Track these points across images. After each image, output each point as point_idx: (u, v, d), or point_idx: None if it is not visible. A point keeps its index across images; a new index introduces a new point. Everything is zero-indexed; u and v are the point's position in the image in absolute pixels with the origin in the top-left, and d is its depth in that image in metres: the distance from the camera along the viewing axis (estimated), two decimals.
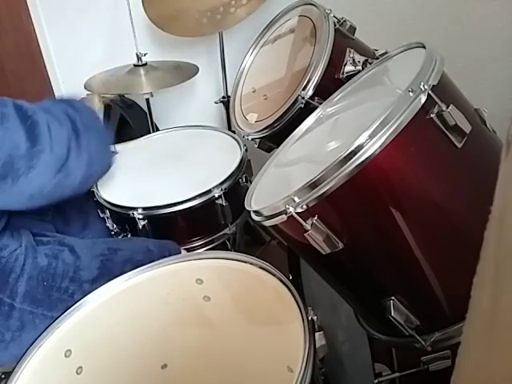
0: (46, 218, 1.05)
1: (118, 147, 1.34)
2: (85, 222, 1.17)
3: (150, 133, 1.48)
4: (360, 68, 1.05)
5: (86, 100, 1.15)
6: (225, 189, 1.12)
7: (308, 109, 1.02)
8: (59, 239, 1.01)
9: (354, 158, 0.59)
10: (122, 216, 1.12)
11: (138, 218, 1.09)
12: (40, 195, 0.86)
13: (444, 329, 0.71)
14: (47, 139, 0.84)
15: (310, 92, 1.03)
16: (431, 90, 0.61)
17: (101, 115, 1.11)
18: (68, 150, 0.88)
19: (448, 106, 0.61)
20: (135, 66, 1.48)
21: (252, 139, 1.21)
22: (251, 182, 0.89)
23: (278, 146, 0.96)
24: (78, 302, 0.77)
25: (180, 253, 1.10)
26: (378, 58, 1.05)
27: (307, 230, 0.63)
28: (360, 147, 0.59)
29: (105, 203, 1.15)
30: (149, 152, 1.37)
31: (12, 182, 0.81)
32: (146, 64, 1.48)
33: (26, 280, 0.90)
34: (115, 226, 1.18)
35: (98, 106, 1.16)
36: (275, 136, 1.11)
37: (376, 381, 0.83)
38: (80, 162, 0.91)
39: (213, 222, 1.18)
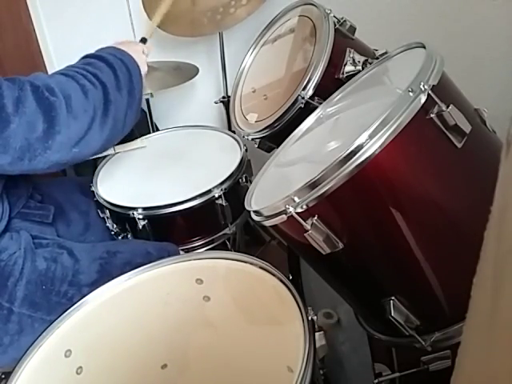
0: (46, 220, 1.05)
1: (118, 148, 1.34)
2: (86, 224, 1.17)
3: (150, 133, 1.48)
4: (360, 68, 1.05)
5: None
6: (225, 189, 1.12)
7: (308, 109, 1.02)
8: (58, 242, 1.01)
9: (354, 157, 0.59)
10: (122, 216, 1.12)
11: (138, 218, 1.09)
12: (57, 166, 0.86)
13: (444, 329, 0.71)
14: (64, 119, 0.81)
15: (310, 92, 1.03)
16: (431, 90, 0.61)
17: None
18: (91, 121, 0.85)
19: (448, 106, 0.61)
20: None
21: (252, 139, 1.21)
22: (251, 182, 0.89)
23: (277, 146, 0.96)
24: (77, 302, 0.77)
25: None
26: (377, 58, 1.05)
27: (307, 230, 0.63)
28: (360, 147, 0.59)
29: (105, 203, 1.15)
30: (149, 152, 1.37)
31: (29, 161, 0.80)
32: None
33: (25, 284, 0.89)
34: (115, 226, 1.18)
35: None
36: (275, 136, 1.11)
37: (376, 381, 0.83)
38: (102, 131, 0.88)
39: (213, 222, 1.18)
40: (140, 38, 1.24)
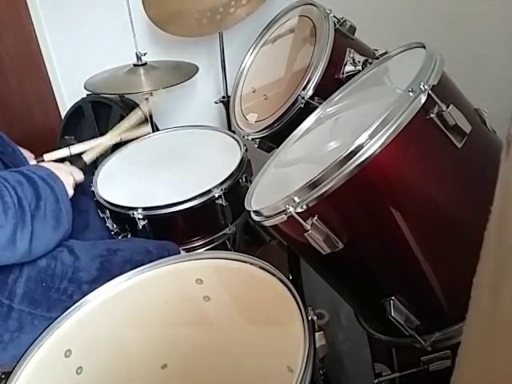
0: None
1: (124, 135, 1.32)
2: (86, 223, 1.17)
3: (150, 133, 1.48)
4: (360, 68, 1.05)
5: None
6: (225, 189, 1.12)
7: (308, 109, 1.02)
8: None
9: (354, 157, 0.59)
10: (122, 216, 1.12)
11: (138, 218, 1.09)
12: None
13: (444, 329, 0.71)
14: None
15: (310, 92, 1.03)
16: (431, 89, 0.61)
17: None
18: (9, 241, 0.83)
19: (448, 106, 0.61)
20: (135, 65, 1.48)
21: (252, 139, 1.21)
22: (251, 182, 0.89)
23: (277, 146, 0.96)
24: (77, 302, 0.77)
25: (179, 253, 1.09)
26: (378, 58, 1.05)
27: (307, 230, 0.63)
28: (360, 147, 0.59)
29: (105, 203, 1.15)
30: (149, 152, 1.37)
31: None
32: (145, 64, 1.48)
33: (25, 281, 0.90)
34: (115, 225, 1.18)
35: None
36: (275, 136, 1.11)
37: (376, 381, 0.83)
38: (15, 252, 0.85)
39: (213, 222, 1.18)
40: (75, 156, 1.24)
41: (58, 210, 0.93)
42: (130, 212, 1.09)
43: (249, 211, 0.76)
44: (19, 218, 0.84)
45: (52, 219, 0.92)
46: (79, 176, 1.08)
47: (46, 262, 0.93)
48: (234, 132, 1.36)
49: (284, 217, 0.65)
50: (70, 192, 1.01)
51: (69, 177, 1.02)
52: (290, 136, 0.95)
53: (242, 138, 1.25)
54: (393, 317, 0.69)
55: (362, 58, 1.06)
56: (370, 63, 1.01)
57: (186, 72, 1.48)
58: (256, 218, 0.73)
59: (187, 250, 1.16)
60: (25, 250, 0.86)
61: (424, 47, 0.74)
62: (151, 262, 0.82)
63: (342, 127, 0.86)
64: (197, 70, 1.50)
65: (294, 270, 1.18)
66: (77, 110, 1.85)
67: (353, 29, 1.14)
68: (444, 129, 0.62)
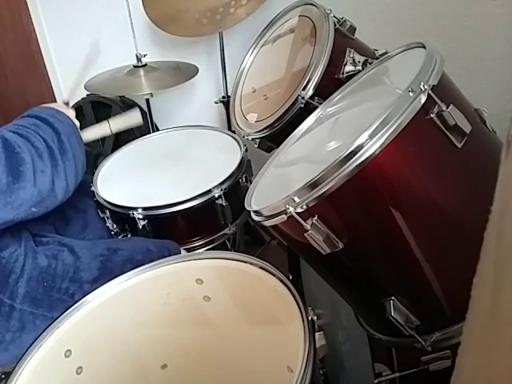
0: (46, 218, 1.05)
1: (114, 125, 1.31)
2: (85, 222, 1.17)
3: (149, 133, 1.48)
4: (360, 68, 1.05)
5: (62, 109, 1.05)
6: (225, 189, 1.12)
7: (308, 109, 1.02)
8: (59, 239, 1.01)
9: (354, 157, 0.59)
10: (122, 216, 1.12)
11: (138, 218, 1.09)
12: (11, 222, 0.85)
13: (444, 329, 0.71)
14: (31, 176, 0.82)
15: (310, 92, 1.03)
16: (431, 89, 0.61)
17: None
18: (52, 182, 0.86)
19: (448, 106, 0.61)
20: (135, 66, 1.48)
21: (252, 139, 1.21)
22: (251, 182, 0.89)
23: (278, 146, 0.96)
24: (78, 302, 0.77)
25: (180, 253, 1.10)
26: (378, 58, 1.05)
27: (307, 230, 0.63)
28: (360, 147, 0.59)
29: (105, 203, 1.15)
30: (149, 152, 1.37)
31: None
32: (145, 65, 1.48)
33: (26, 281, 0.90)
34: (115, 226, 1.18)
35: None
36: (275, 136, 1.11)
37: (376, 381, 0.83)
38: (57, 193, 0.88)
39: (213, 222, 1.18)
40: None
41: (75, 140, 0.97)
42: (130, 212, 1.10)
43: (249, 211, 0.76)
44: (52, 159, 0.87)
45: (74, 149, 0.94)
46: (73, 113, 1.11)
47: (47, 262, 0.93)
48: (234, 132, 1.36)
49: (284, 217, 0.65)
50: (77, 123, 1.04)
51: (69, 110, 1.05)
52: (290, 136, 0.95)
53: (242, 137, 1.25)
54: (393, 317, 0.69)
55: (362, 58, 1.06)
56: (370, 63, 1.01)
57: (186, 73, 1.48)
58: (256, 218, 0.73)
59: (187, 250, 1.17)
60: (64, 188, 0.90)
61: (424, 47, 0.74)
62: (152, 261, 0.82)
63: (342, 127, 0.86)
64: (197, 70, 1.50)
65: (294, 269, 1.18)
66: (77, 110, 1.85)
67: (353, 29, 1.14)
68: (444, 129, 0.62)
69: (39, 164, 0.84)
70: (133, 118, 1.25)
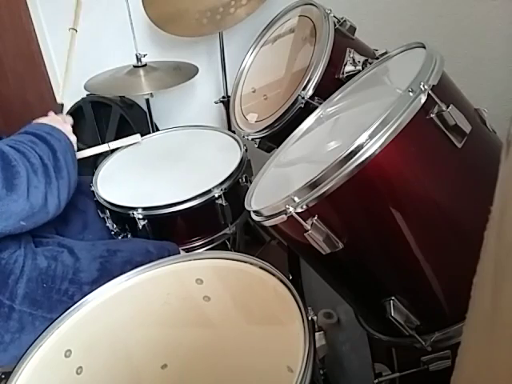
0: None
1: (113, 144, 1.32)
2: (85, 222, 1.17)
3: (150, 133, 1.48)
4: (360, 68, 1.05)
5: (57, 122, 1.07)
6: (225, 189, 1.12)
7: (308, 109, 1.02)
8: (58, 240, 1.01)
9: (354, 157, 0.59)
10: (122, 216, 1.12)
11: (138, 218, 1.09)
12: None
13: (444, 329, 0.71)
14: (24, 190, 0.83)
15: (310, 92, 1.03)
16: (431, 89, 0.61)
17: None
18: (44, 200, 0.87)
19: (448, 106, 0.61)
20: (135, 66, 1.48)
21: (252, 139, 1.21)
22: (251, 182, 0.89)
23: (278, 146, 0.96)
24: (77, 302, 0.77)
25: (179, 253, 1.09)
26: (378, 58, 1.05)
27: (307, 230, 0.63)
28: (360, 147, 0.59)
29: (105, 203, 1.15)
30: (149, 152, 1.37)
31: None
32: (145, 65, 1.48)
33: (26, 282, 0.90)
34: (115, 226, 1.18)
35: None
36: (275, 136, 1.11)
37: (376, 381, 0.83)
38: (49, 209, 0.90)
39: (213, 222, 1.18)
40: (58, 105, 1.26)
41: (70, 158, 0.99)
42: (130, 212, 1.09)
43: (249, 211, 0.76)
44: (46, 176, 0.89)
45: (68, 167, 0.97)
46: (70, 120, 1.14)
47: (47, 263, 0.93)
48: (234, 132, 1.36)
49: (284, 217, 0.65)
50: (73, 139, 1.06)
51: (66, 125, 1.07)
52: (290, 136, 0.95)
53: (242, 137, 1.25)
54: (393, 317, 0.69)
55: (362, 58, 1.06)
56: (370, 63, 1.01)
57: (186, 73, 1.48)
58: (256, 218, 0.73)
59: (187, 250, 1.17)
60: (56, 205, 0.91)
61: (424, 47, 0.74)
62: (151, 262, 0.82)
63: (342, 127, 0.86)
64: (196, 70, 1.50)
65: (294, 269, 1.18)
66: (77, 110, 1.85)
67: (353, 29, 1.14)
68: (444, 129, 0.62)
69: (34, 179, 0.86)
70: (133, 140, 1.36)
